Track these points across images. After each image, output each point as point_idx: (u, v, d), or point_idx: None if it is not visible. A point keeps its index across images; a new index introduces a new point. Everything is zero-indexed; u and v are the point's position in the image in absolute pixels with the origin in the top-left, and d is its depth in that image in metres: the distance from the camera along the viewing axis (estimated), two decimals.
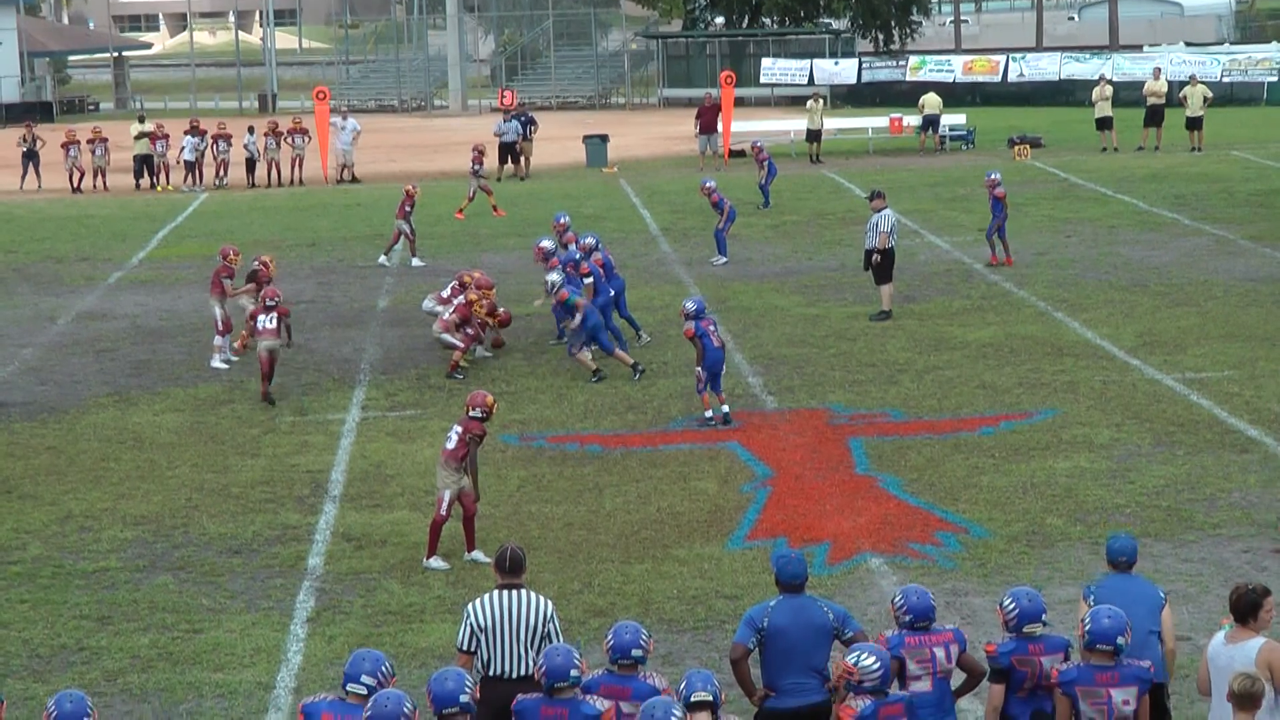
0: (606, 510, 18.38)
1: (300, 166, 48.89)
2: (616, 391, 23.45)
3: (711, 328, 21.48)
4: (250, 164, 48.59)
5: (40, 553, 17.57)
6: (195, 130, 48.58)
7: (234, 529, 18.15)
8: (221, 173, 48.64)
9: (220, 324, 25.67)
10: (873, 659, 10.24)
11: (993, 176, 31.66)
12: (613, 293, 25.61)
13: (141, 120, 50.88)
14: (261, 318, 23.77)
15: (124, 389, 24.69)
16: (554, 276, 24.55)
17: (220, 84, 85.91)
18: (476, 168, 39.84)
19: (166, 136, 48.92)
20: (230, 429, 22.29)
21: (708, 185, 33.00)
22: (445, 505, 16.70)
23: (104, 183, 48.51)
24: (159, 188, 48.50)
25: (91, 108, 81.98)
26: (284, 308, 25.40)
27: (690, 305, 21.65)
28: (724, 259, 33.12)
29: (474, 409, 16.85)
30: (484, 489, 19.07)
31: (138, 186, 48.57)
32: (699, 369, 21.52)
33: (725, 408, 21.63)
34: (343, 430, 22.01)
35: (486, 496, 18.81)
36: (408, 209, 33.32)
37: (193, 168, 48.26)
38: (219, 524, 18.34)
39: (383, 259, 34.09)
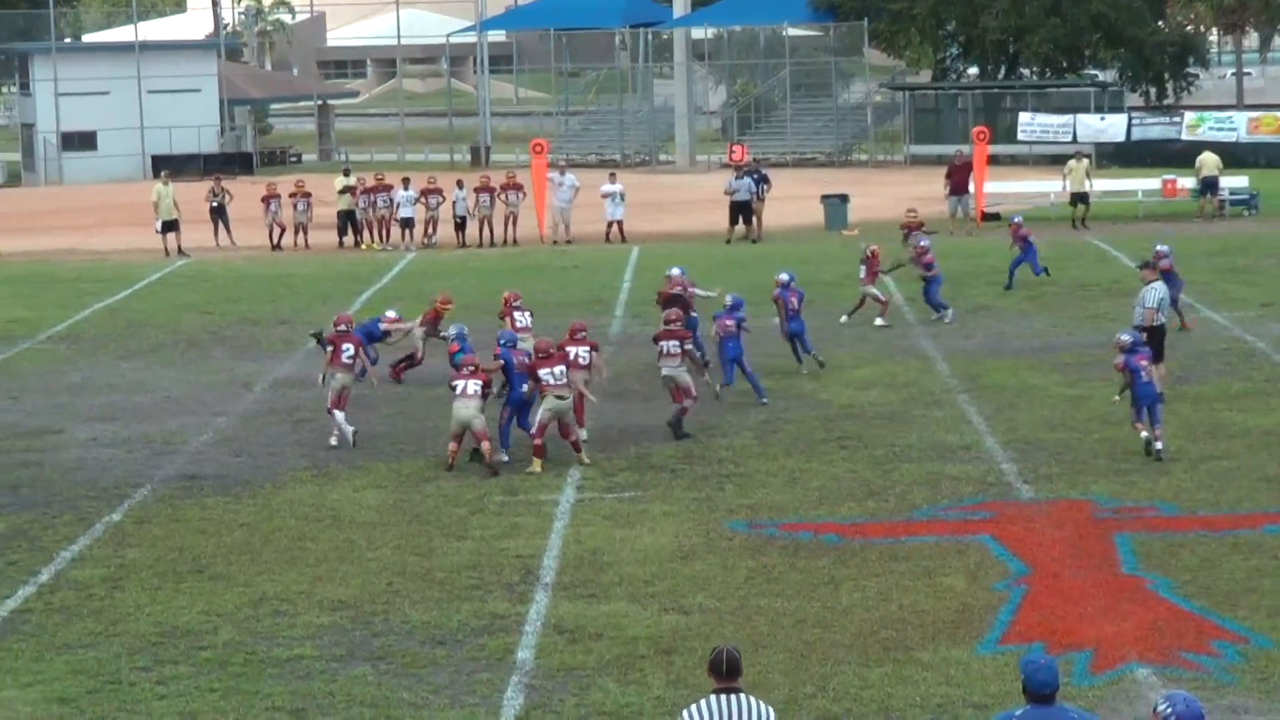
0: (843, 607, 18.27)
1: (515, 225, 49.42)
2: (855, 476, 23.36)
3: (1144, 362, 23.76)
4: (461, 222, 49.21)
5: (232, 637, 17.86)
6: (402, 184, 49.28)
7: (438, 617, 18.31)
8: (431, 230, 49.40)
9: (337, 399, 25.87)
10: None
11: (1160, 249, 32.61)
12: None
13: (346, 174, 51.62)
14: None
15: (322, 462, 25.06)
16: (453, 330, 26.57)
17: (430, 135, 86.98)
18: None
19: (369, 191, 49.75)
20: (435, 508, 22.52)
21: (922, 244, 35.20)
22: None
23: (305, 240, 49.33)
24: (364, 246, 49.32)
25: (293, 159, 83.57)
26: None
27: (1125, 338, 24.29)
28: (950, 313, 34.74)
29: None
30: (709, 580, 19.11)
31: (341, 244, 49.44)
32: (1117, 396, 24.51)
33: (1159, 444, 23.53)
34: (556, 512, 22.14)
35: (710, 589, 18.82)
36: (878, 271, 34.60)
37: (409, 224, 49.09)
38: (422, 611, 18.51)
39: (844, 318, 34.98)
